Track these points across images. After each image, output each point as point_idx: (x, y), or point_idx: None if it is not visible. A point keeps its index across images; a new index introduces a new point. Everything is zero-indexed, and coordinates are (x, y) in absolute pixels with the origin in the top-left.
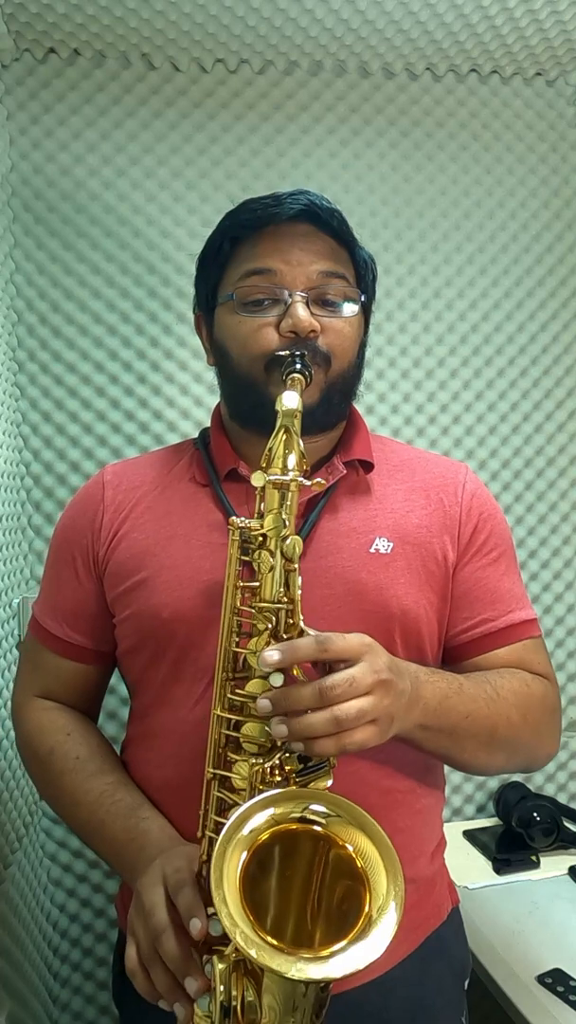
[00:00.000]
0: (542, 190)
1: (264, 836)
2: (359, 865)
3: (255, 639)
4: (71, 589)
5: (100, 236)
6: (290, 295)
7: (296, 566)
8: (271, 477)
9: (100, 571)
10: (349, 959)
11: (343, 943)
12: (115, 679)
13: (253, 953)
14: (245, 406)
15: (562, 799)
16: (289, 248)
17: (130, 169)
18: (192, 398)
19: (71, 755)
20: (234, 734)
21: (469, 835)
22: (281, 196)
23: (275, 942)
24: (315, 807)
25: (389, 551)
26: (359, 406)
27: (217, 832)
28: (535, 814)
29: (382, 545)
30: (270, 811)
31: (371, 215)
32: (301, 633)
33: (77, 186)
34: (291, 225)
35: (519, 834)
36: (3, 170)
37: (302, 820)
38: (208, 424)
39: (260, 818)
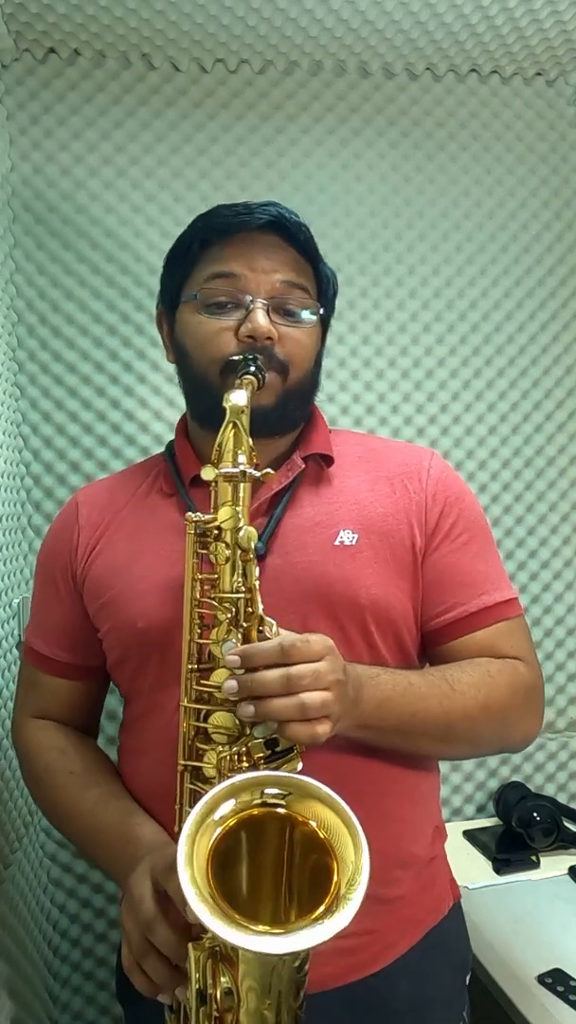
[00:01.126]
0: (542, 190)
1: (231, 821)
2: (323, 836)
3: (216, 629)
4: (55, 609)
5: (100, 236)
6: (252, 301)
7: (252, 556)
8: (222, 470)
9: (79, 588)
10: (318, 931)
11: (313, 916)
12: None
13: (219, 930)
14: (202, 407)
15: (562, 799)
16: (255, 255)
17: (130, 169)
18: None
19: (65, 770)
20: (203, 724)
21: (469, 835)
22: (252, 206)
23: (243, 919)
24: (270, 791)
25: (355, 542)
26: (359, 406)
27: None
28: (535, 814)
29: (347, 537)
30: (234, 798)
31: (371, 215)
32: (261, 621)
33: (77, 186)
34: (260, 234)
35: (519, 834)
36: (3, 170)
37: (262, 804)
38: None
39: (226, 806)
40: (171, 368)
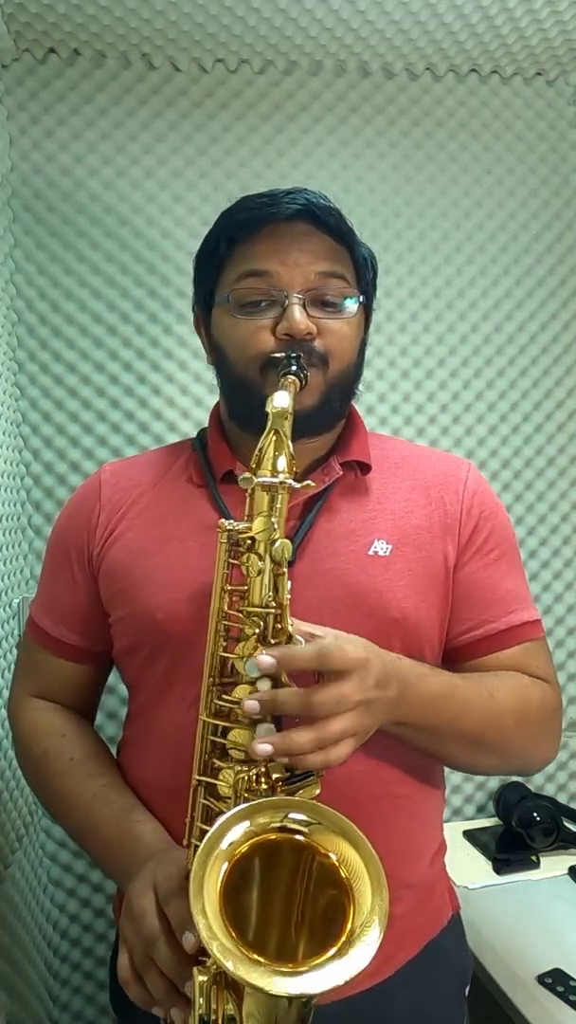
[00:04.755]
0: (542, 190)
1: (245, 847)
2: (343, 875)
3: (242, 644)
4: (66, 588)
5: (100, 236)
6: (287, 297)
7: (285, 570)
8: (260, 479)
9: (95, 570)
10: (329, 974)
11: (325, 957)
12: (115, 679)
13: (230, 965)
14: (242, 408)
15: (562, 799)
16: (287, 249)
17: (130, 169)
18: (192, 398)
19: (65, 757)
20: (220, 740)
21: (469, 835)
22: (278, 195)
23: (254, 955)
24: (295, 816)
25: (388, 553)
26: (359, 406)
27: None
28: (535, 814)
29: (381, 547)
30: (252, 821)
31: (371, 215)
32: (290, 638)
33: (77, 186)
34: (289, 224)
35: (519, 834)
36: (3, 170)
37: (283, 829)
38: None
39: (240, 829)
40: (171, 368)
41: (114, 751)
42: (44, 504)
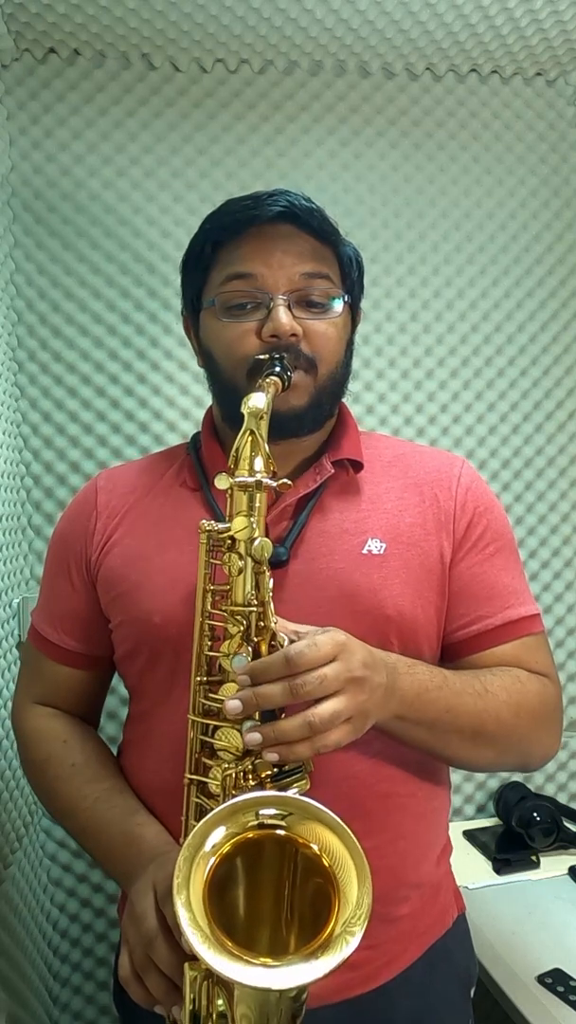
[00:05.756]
0: (542, 190)
1: (228, 847)
2: (326, 864)
3: (227, 642)
4: (66, 595)
5: (100, 236)
6: (272, 298)
7: (266, 569)
8: (236, 479)
9: (93, 577)
10: (312, 967)
11: (309, 950)
12: (115, 678)
13: (208, 958)
14: (232, 411)
15: (562, 799)
16: (270, 251)
17: (130, 169)
18: (192, 398)
19: (67, 762)
20: (209, 739)
21: (469, 835)
22: (261, 197)
23: (240, 949)
24: (267, 811)
25: (382, 552)
26: (359, 406)
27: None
28: (535, 814)
29: (375, 546)
30: (231, 821)
31: (371, 215)
32: (273, 636)
33: (77, 186)
34: (272, 226)
35: (519, 834)
36: (3, 170)
37: (262, 826)
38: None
39: (220, 830)
40: (171, 368)
41: (114, 750)
42: (44, 504)
